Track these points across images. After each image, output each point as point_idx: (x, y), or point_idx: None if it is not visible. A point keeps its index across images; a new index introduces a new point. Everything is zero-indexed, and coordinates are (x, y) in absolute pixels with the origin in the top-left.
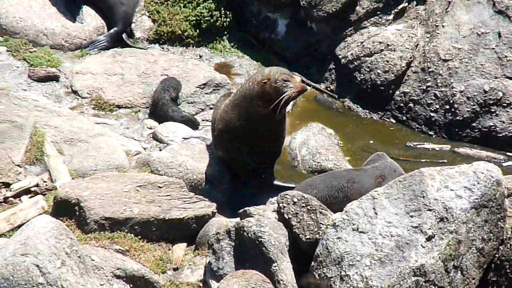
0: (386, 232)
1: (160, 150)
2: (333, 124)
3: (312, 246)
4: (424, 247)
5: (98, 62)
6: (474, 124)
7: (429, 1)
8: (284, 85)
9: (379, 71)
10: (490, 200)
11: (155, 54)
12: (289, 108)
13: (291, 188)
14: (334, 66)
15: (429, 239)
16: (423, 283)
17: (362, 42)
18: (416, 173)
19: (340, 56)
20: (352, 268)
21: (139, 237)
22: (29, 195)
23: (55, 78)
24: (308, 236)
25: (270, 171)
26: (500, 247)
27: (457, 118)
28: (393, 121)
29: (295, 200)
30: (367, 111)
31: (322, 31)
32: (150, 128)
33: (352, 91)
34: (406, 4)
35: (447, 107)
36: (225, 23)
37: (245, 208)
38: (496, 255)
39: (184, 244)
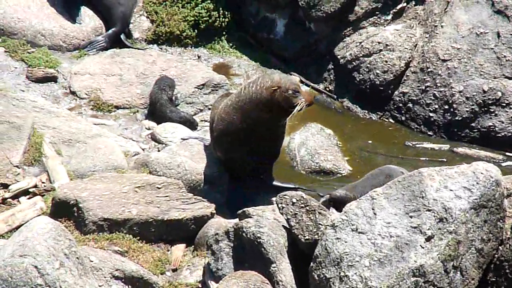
0: (385, 232)
1: (159, 150)
2: (332, 125)
3: (311, 247)
4: (423, 248)
5: (96, 62)
6: (473, 124)
7: (427, 1)
8: (295, 96)
9: (378, 71)
10: (490, 200)
11: (153, 55)
12: None
13: (290, 189)
14: (332, 66)
15: (428, 239)
16: (423, 284)
17: (360, 42)
18: (415, 174)
19: (338, 56)
20: (351, 269)
21: (138, 238)
22: (27, 196)
23: (53, 79)
24: (307, 237)
25: (269, 171)
26: (500, 247)
27: (456, 118)
28: (392, 121)
29: (294, 200)
30: (366, 111)
31: (321, 31)
32: (149, 129)
33: (351, 91)
34: (405, 4)
35: (446, 107)
36: (223, 24)
37: (244, 209)
38: (496, 255)
39: (183, 245)
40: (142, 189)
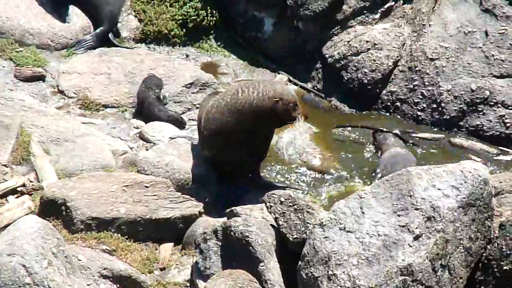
0: (373, 231)
1: (147, 149)
2: (320, 123)
3: (299, 246)
4: (411, 246)
5: (84, 61)
6: (461, 123)
7: (415, 0)
8: (295, 110)
9: (366, 70)
10: (478, 199)
11: (141, 54)
12: None
13: (278, 188)
14: (321, 65)
15: (416, 238)
16: (410, 283)
17: (349, 41)
18: (404, 172)
19: (327, 55)
20: (339, 268)
21: (126, 237)
22: (15, 195)
23: (41, 78)
24: (295, 236)
25: (257, 170)
26: (488, 246)
27: (444, 117)
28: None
29: (282, 199)
30: (354, 110)
31: (309, 30)
32: (137, 128)
33: (339, 90)
34: (393, 3)
35: (434, 106)
36: (211, 23)
37: (232, 208)
38: (484, 254)
39: (171, 244)
40: (130, 188)
